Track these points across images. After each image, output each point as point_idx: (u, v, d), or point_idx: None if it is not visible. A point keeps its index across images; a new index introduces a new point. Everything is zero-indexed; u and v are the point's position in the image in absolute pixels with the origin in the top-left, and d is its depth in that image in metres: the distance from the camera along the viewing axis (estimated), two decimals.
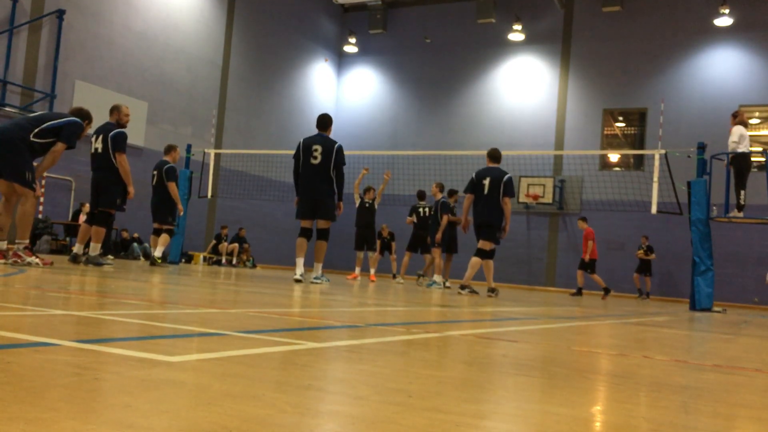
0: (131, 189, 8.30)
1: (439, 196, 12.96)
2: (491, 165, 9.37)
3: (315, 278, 8.46)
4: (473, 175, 9.30)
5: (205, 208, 19.76)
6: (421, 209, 13.24)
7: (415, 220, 13.26)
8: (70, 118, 6.99)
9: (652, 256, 18.63)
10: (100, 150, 8.28)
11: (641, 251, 18.85)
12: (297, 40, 24.00)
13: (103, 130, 8.37)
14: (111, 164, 8.20)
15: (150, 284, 5.76)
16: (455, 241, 13.18)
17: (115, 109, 8.48)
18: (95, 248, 8.30)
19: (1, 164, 6.65)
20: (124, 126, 8.42)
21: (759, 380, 2.43)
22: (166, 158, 10.88)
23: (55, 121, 6.87)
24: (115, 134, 8.23)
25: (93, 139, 8.45)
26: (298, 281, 8.17)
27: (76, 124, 6.98)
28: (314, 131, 8.56)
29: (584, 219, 15.79)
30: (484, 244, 9.15)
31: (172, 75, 19.09)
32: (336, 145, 8.22)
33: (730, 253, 17.99)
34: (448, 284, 13.05)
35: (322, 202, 8.25)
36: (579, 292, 17.41)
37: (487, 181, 9.06)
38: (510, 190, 9.03)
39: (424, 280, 13.48)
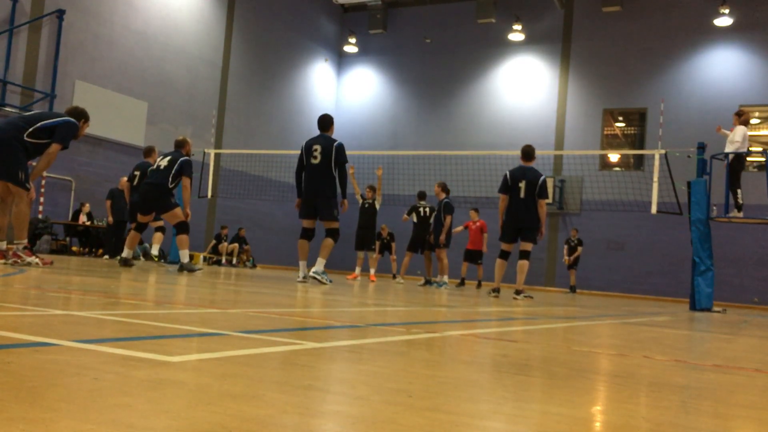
0: (189, 212, 9.22)
1: (443, 196, 12.94)
2: (525, 164, 9.10)
3: (314, 272, 8.31)
4: (507, 175, 9.03)
5: (205, 208, 19.76)
6: (421, 209, 13.21)
7: (414, 220, 13.24)
8: (65, 118, 6.84)
9: (579, 250, 18.37)
10: (162, 167, 8.92)
11: (569, 253, 18.44)
12: (297, 40, 24.00)
13: (172, 154, 9.09)
14: (167, 181, 8.82)
15: (150, 284, 5.76)
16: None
17: (186, 143, 9.31)
18: (185, 255, 8.90)
19: None
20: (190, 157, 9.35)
21: (759, 380, 2.43)
22: (148, 160, 11.04)
23: (49, 121, 6.72)
24: (186, 161, 9.00)
25: (159, 158, 9.17)
26: (301, 282, 8.25)
27: (70, 124, 6.83)
28: (314, 131, 8.60)
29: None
30: (526, 245, 9.08)
31: (172, 75, 19.09)
32: (335, 144, 8.24)
33: (730, 253, 17.99)
34: (439, 279, 13.16)
35: (322, 202, 8.27)
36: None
37: (523, 184, 8.85)
38: (546, 191, 8.89)
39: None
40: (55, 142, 6.71)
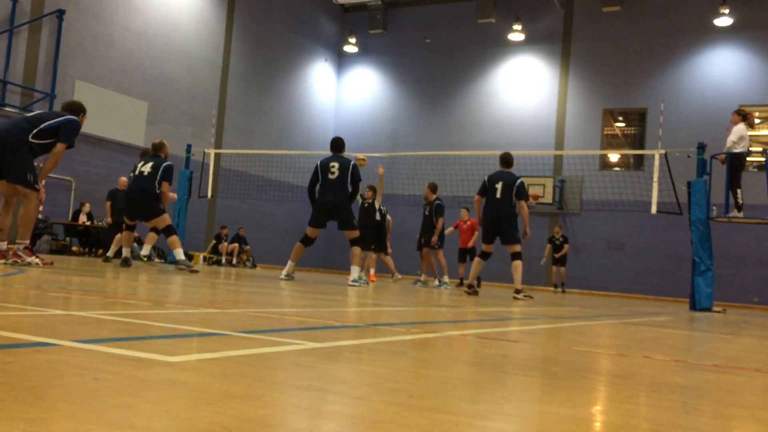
0: (166, 209, 9.37)
1: (432, 197, 13.04)
2: (504, 169, 9.54)
3: (352, 281, 8.84)
4: (485, 179, 9.52)
5: (205, 208, 19.75)
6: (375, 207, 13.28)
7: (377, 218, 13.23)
8: (67, 117, 6.88)
9: (566, 248, 18.36)
10: (145, 173, 9.12)
11: (550, 247, 18.32)
12: (297, 40, 23.99)
13: (153, 159, 9.32)
14: (153, 186, 9.07)
15: (150, 284, 5.76)
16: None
17: (163, 146, 9.56)
18: (179, 253, 9.19)
19: (2, 166, 6.64)
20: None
21: (759, 380, 2.44)
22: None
23: (53, 121, 6.77)
24: (170, 166, 9.24)
25: (140, 164, 9.33)
26: (283, 279, 8.92)
27: (73, 122, 6.89)
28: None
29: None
30: (513, 248, 9.25)
31: (172, 75, 19.08)
32: (351, 163, 8.95)
33: (730, 253, 17.98)
34: (423, 278, 13.25)
35: (340, 214, 8.87)
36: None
37: (499, 185, 9.27)
38: (524, 193, 9.33)
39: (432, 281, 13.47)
40: (60, 141, 6.79)
